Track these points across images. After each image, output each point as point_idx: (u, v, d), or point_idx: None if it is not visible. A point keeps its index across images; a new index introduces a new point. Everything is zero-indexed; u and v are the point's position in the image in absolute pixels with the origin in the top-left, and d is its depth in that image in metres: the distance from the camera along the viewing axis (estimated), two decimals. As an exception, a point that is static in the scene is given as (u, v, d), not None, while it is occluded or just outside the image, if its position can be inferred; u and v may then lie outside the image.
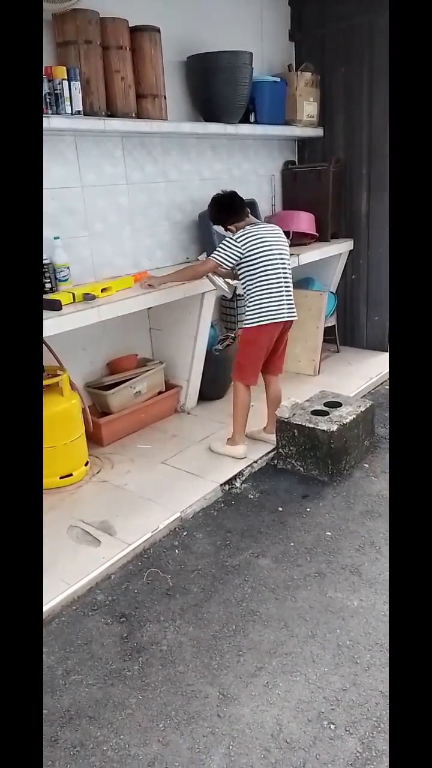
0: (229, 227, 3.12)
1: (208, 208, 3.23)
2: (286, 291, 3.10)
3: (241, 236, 3.00)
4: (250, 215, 3.17)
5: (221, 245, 3.02)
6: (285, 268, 3.08)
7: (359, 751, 1.68)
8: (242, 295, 3.19)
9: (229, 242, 3.00)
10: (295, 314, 3.17)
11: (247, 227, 3.06)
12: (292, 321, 3.19)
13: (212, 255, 3.04)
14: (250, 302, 3.08)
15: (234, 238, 3.00)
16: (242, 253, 2.98)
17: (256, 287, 3.04)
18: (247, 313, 3.10)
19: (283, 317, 3.09)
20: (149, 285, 3.23)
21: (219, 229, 3.21)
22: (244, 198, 3.22)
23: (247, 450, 3.28)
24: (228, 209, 3.13)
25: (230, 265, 3.02)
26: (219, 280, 3.31)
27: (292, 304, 3.14)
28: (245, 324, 3.12)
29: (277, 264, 3.04)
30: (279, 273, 3.05)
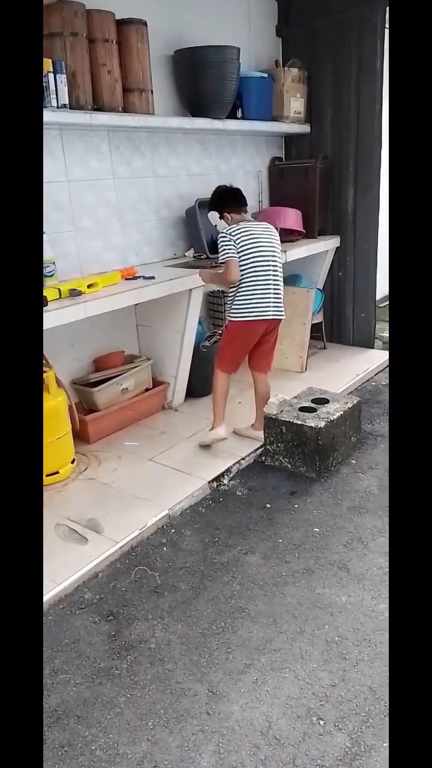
0: (224, 214, 3.14)
1: (212, 194, 3.25)
2: (275, 289, 3.09)
3: (233, 230, 3.01)
4: (246, 214, 3.19)
5: (220, 243, 3.02)
6: (276, 267, 3.08)
7: (348, 746, 1.68)
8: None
9: (224, 236, 3.00)
10: (282, 313, 3.17)
11: (241, 223, 3.06)
12: (280, 320, 3.19)
13: (225, 256, 3.01)
14: (237, 297, 3.07)
15: (227, 231, 3.01)
16: (236, 246, 2.99)
17: (243, 283, 3.03)
18: (233, 308, 3.10)
19: (269, 315, 3.09)
20: (200, 275, 3.30)
21: (213, 217, 3.19)
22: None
23: (227, 430, 3.29)
24: (230, 197, 3.17)
25: (237, 255, 3.00)
26: (214, 279, 3.31)
27: (279, 303, 3.13)
28: (230, 317, 3.12)
29: (267, 262, 3.04)
30: (269, 271, 3.05)
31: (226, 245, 3.00)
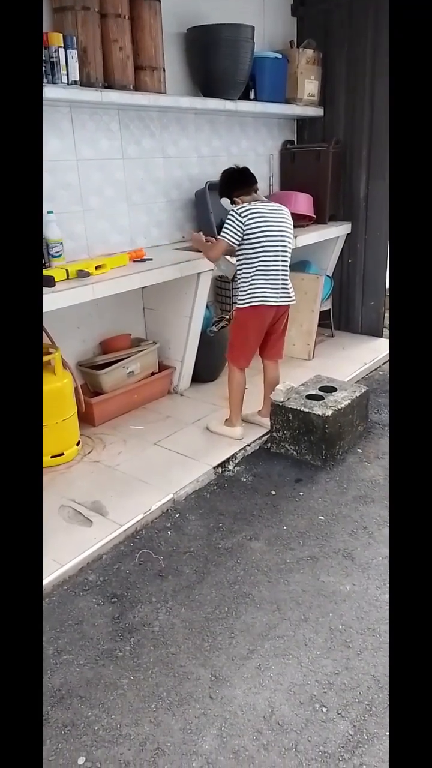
0: (235, 198, 3.06)
1: (219, 180, 3.18)
2: (283, 274, 3.04)
3: (244, 210, 2.93)
4: (258, 194, 3.12)
5: (226, 222, 2.95)
6: (285, 252, 3.03)
7: (351, 733, 1.68)
8: (236, 275, 3.14)
9: (232, 216, 2.93)
10: (291, 299, 3.13)
11: (253, 203, 3.00)
12: (288, 306, 3.15)
13: (221, 234, 2.96)
14: (243, 282, 3.03)
15: (237, 210, 2.94)
16: (244, 228, 2.92)
17: (251, 267, 2.99)
18: (240, 294, 3.06)
19: (276, 301, 3.05)
20: (192, 237, 3.27)
21: (225, 202, 3.14)
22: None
23: (244, 432, 3.26)
24: (238, 179, 3.09)
25: (236, 240, 2.94)
26: (222, 262, 3.26)
27: (287, 288, 3.09)
28: (238, 304, 3.08)
29: (276, 246, 2.98)
30: (278, 255, 3.00)
31: (231, 226, 2.92)
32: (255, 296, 3.01)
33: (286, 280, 3.08)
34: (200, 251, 3.23)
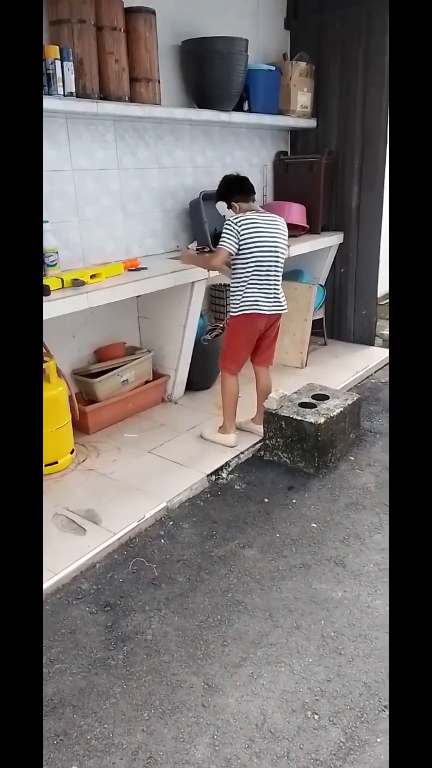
0: (232, 204, 3.11)
1: (219, 184, 3.23)
2: (275, 283, 3.08)
3: (239, 219, 2.98)
4: (255, 203, 3.17)
5: (223, 231, 2.99)
6: (277, 261, 3.06)
7: (342, 741, 1.69)
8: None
9: (229, 224, 2.97)
10: (283, 307, 3.16)
11: (248, 212, 3.04)
12: (280, 314, 3.18)
13: (220, 244, 3.00)
14: (236, 291, 3.06)
15: (233, 219, 2.98)
16: (240, 236, 2.96)
17: (244, 276, 3.03)
18: (232, 302, 3.09)
19: (268, 310, 3.08)
20: (182, 256, 3.32)
21: (221, 207, 3.18)
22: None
23: (238, 439, 3.28)
24: (237, 186, 3.15)
25: (234, 248, 2.98)
26: (224, 270, 3.30)
27: (279, 297, 3.12)
28: (231, 312, 3.12)
29: (269, 255, 3.02)
30: (270, 264, 3.03)
31: (229, 234, 2.96)
32: (247, 305, 3.04)
33: (278, 289, 3.11)
34: (199, 263, 3.26)
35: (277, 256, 3.06)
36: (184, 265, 3.41)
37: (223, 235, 2.99)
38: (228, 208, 3.14)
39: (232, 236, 2.96)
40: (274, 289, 3.08)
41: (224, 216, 3.16)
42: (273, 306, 3.09)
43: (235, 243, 2.97)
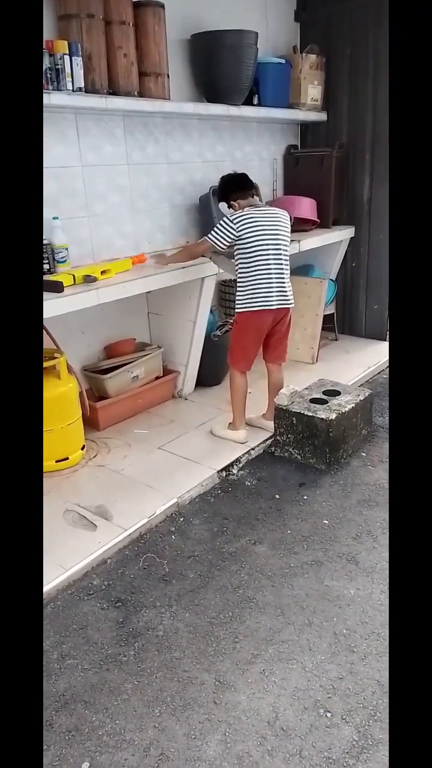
0: (231, 203, 3.10)
1: (218, 187, 3.21)
2: (278, 278, 3.04)
3: (237, 217, 2.96)
4: (255, 198, 3.14)
5: (217, 225, 2.99)
6: (279, 255, 3.03)
7: (355, 739, 1.68)
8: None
9: (224, 222, 2.97)
10: (289, 302, 3.13)
11: (247, 209, 3.02)
12: (288, 309, 3.16)
13: (207, 235, 3.02)
14: (241, 287, 3.05)
15: (230, 217, 2.97)
16: (236, 234, 2.95)
17: (247, 271, 3.01)
18: (238, 298, 3.08)
19: (273, 305, 3.05)
20: (157, 263, 3.26)
21: (223, 208, 3.17)
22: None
23: (248, 435, 3.27)
24: (234, 184, 3.13)
25: (224, 245, 2.99)
26: (223, 262, 3.28)
27: (284, 291, 3.08)
28: (237, 308, 3.10)
29: (269, 250, 2.99)
30: (270, 259, 3.00)
31: (220, 231, 2.96)
32: (252, 300, 3.02)
33: (284, 283, 3.08)
34: (177, 259, 3.26)
35: (279, 250, 3.03)
36: (194, 261, 3.39)
37: (214, 228, 3.00)
38: (229, 207, 3.13)
39: (224, 233, 2.96)
40: (279, 283, 3.05)
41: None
42: (279, 300, 3.07)
43: (225, 240, 2.97)
